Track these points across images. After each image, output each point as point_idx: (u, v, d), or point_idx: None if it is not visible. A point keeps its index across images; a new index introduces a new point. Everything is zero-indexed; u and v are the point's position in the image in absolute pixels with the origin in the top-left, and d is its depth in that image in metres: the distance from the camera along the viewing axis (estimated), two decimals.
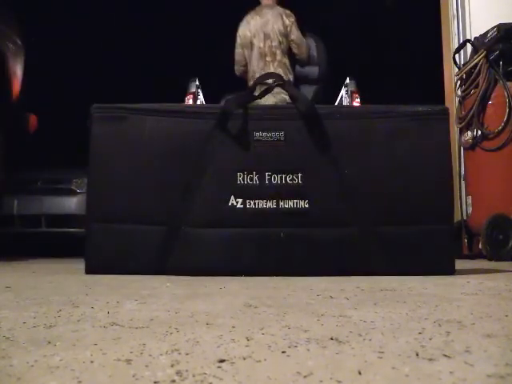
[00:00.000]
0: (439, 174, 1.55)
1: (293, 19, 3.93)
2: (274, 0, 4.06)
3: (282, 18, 3.90)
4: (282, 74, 3.61)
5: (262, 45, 3.88)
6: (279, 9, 3.95)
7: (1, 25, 2.85)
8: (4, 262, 2.53)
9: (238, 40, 3.99)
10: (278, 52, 3.86)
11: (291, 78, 3.86)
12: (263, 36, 3.89)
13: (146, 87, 6.44)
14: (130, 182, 1.55)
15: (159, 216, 1.53)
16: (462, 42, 3.66)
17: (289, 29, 3.91)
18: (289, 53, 3.93)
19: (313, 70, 4.33)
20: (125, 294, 1.01)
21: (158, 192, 1.54)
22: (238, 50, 4.01)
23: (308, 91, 4.19)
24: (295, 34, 3.91)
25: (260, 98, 1.65)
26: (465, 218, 3.26)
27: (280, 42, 3.86)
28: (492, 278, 1.44)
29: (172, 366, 0.46)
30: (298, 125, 1.57)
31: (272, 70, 3.74)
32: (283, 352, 0.51)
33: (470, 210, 3.18)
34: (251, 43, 3.91)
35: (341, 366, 0.46)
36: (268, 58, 3.84)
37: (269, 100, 3.42)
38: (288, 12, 3.95)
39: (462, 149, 3.44)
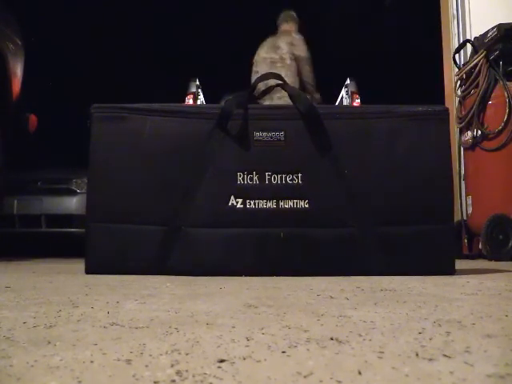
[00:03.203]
0: (439, 174, 1.55)
1: (302, 38, 4.01)
2: (293, 27, 4.10)
3: (292, 38, 3.98)
4: (290, 77, 3.65)
5: (272, 55, 3.94)
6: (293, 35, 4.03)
7: (1, 25, 2.85)
8: (4, 261, 2.53)
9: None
10: (288, 57, 3.89)
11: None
12: (273, 49, 3.96)
13: (146, 87, 6.44)
14: (129, 182, 1.55)
15: (159, 216, 1.53)
16: (462, 42, 3.67)
17: (296, 42, 3.96)
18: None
19: None
20: (125, 294, 1.01)
21: (158, 192, 1.54)
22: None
23: None
24: (301, 49, 3.93)
25: (260, 98, 1.65)
26: (465, 218, 3.26)
27: (289, 53, 3.92)
28: (492, 278, 1.44)
29: (172, 365, 0.45)
30: (298, 125, 1.56)
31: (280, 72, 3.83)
32: (283, 352, 0.51)
33: (470, 210, 3.18)
34: (263, 57, 3.97)
35: (341, 366, 0.46)
36: (278, 65, 3.88)
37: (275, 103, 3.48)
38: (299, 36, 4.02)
39: (461, 149, 3.45)
